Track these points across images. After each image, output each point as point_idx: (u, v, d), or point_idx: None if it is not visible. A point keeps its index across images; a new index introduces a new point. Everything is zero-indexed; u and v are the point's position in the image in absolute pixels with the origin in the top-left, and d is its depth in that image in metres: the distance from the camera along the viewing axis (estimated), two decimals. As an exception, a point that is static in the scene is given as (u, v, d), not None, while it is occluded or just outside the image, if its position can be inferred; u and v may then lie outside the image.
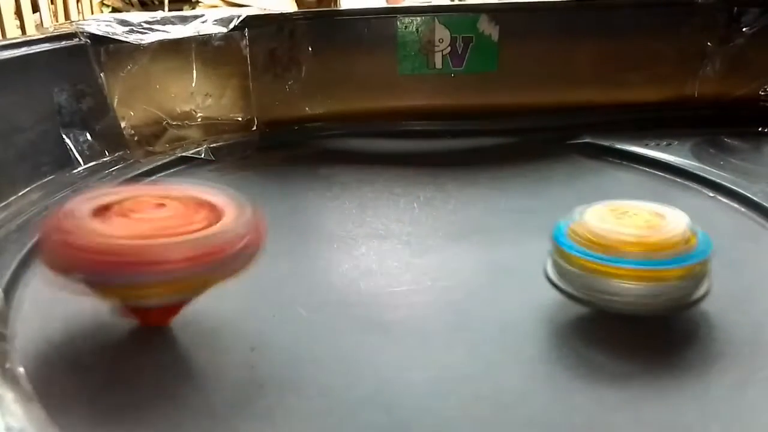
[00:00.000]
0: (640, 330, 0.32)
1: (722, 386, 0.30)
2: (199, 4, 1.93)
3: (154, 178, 0.55)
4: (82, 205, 0.30)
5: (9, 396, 0.27)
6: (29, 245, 0.41)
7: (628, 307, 0.31)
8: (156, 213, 0.30)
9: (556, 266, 0.33)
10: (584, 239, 0.31)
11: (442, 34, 0.65)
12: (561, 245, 0.32)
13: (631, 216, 0.32)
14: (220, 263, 0.30)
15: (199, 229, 0.29)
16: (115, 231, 0.29)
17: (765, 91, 0.64)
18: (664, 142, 0.57)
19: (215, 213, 0.31)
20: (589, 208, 0.33)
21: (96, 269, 0.28)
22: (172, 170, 0.57)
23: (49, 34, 0.55)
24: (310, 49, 0.65)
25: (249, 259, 0.31)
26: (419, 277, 0.40)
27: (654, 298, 0.30)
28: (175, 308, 0.32)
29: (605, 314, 0.32)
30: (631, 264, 0.30)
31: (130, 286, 0.29)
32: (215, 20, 0.60)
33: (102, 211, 0.30)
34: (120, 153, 0.57)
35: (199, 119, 0.62)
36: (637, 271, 0.30)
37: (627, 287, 0.30)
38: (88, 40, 0.55)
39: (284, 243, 0.45)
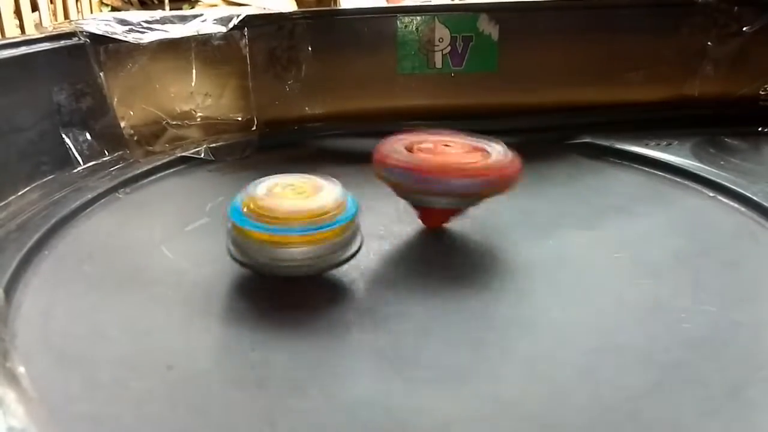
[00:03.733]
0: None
1: (722, 386, 0.30)
2: (199, 3, 1.93)
3: (153, 177, 0.55)
4: (395, 144, 0.43)
5: (10, 396, 0.27)
6: (29, 245, 0.41)
7: (301, 269, 0.36)
8: (447, 149, 0.42)
9: (235, 242, 0.37)
10: (258, 214, 0.35)
11: (441, 33, 0.65)
12: (238, 222, 0.36)
13: (294, 189, 0.37)
14: (494, 181, 0.40)
15: (477, 160, 0.41)
16: (424, 158, 0.41)
17: (765, 90, 0.64)
18: (665, 142, 0.57)
19: (485, 153, 0.42)
20: (259, 184, 0.38)
21: (410, 174, 0.40)
22: (171, 170, 0.57)
23: (48, 34, 0.55)
24: (309, 48, 0.65)
25: (512, 183, 0.41)
26: (419, 277, 0.40)
27: (316, 258, 0.36)
28: (451, 213, 0.43)
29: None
30: (298, 232, 0.35)
31: (428, 190, 0.40)
32: (215, 20, 0.60)
33: (409, 148, 0.42)
34: (120, 153, 0.57)
35: (199, 119, 0.62)
36: (304, 237, 0.35)
37: (295, 251, 0.35)
38: (88, 40, 0.55)
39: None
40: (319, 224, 0.35)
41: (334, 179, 0.39)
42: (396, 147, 0.42)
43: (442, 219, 0.44)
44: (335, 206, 0.36)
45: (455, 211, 0.43)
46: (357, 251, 0.38)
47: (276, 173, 0.58)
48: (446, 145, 0.42)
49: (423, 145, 0.42)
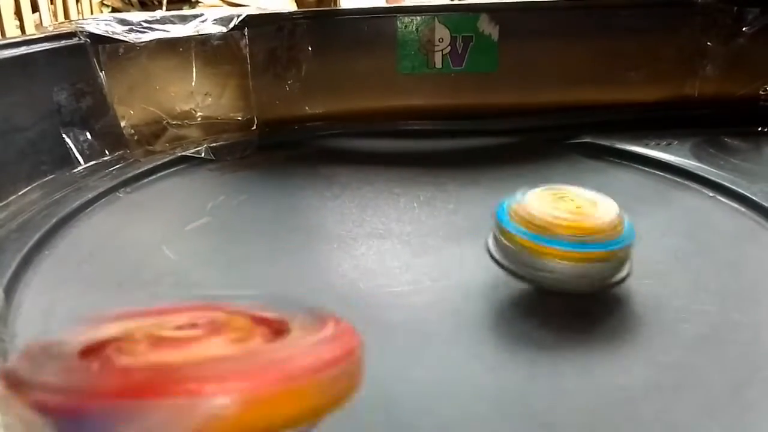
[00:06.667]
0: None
1: (722, 386, 0.30)
2: (199, 3, 1.93)
3: (154, 177, 0.55)
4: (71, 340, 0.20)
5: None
6: (29, 245, 0.41)
7: (558, 284, 0.33)
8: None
9: (497, 242, 0.36)
10: (523, 219, 0.33)
11: (441, 33, 0.65)
12: (502, 223, 0.34)
13: (567, 201, 0.34)
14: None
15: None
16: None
17: (765, 90, 0.64)
18: (665, 142, 0.57)
19: (275, 329, 0.21)
20: (531, 190, 0.35)
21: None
22: (172, 169, 0.57)
23: (48, 34, 0.55)
24: (309, 48, 0.64)
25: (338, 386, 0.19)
26: (419, 277, 0.40)
27: (580, 277, 0.33)
28: None
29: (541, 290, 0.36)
30: (562, 245, 0.32)
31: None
32: (215, 20, 0.60)
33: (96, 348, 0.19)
34: (120, 152, 0.57)
35: (199, 118, 0.62)
36: (567, 252, 0.32)
37: (557, 265, 0.33)
38: (88, 40, 0.55)
39: (284, 243, 0.45)
40: (588, 243, 0.32)
41: (610, 199, 0.35)
42: (59, 348, 0.19)
43: None
44: (609, 228, 0.33)
45: None
46: (624, 278, 0.35)
47: (277, 173, 0.59)
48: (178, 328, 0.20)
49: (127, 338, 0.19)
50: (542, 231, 0.33)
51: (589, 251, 0.32)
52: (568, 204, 0.34)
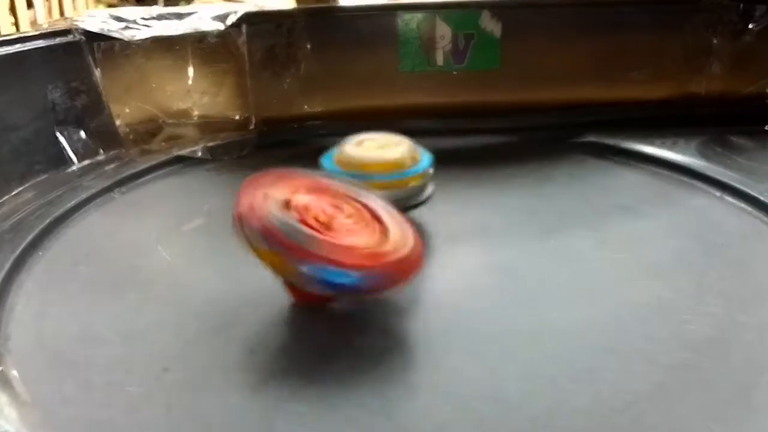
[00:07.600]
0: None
1: (728, 389, 0.30)
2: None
3: (149, 177, 0.54)
4: (268, 199, 0.34)
5: (3, 399, 0.28)
6: (23, 246, 0.41)
7: None
8: (342, 222, 0.34)
9: None
10: (344, 164, 0.43)
11: (443, 30, 0.64)
12: (328, 170, 0.43)
13: (374, 145, 0.44)
14: (387, 276, 0.33)
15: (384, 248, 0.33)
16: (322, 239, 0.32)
17: (772, 89, 0.63)
18: (670, 141, 0.57)
19: (383, 227, 0.35)
20: (350, 141, 0.44)
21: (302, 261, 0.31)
22: (168, 169, 0.56)
23: (43, 31, 0.55)
24: (308, 46, 0.64)
25: (407, 280, 0.34)
26: (419, 278, 0.39)
27: (395, 199, 0.40)
28: (329, 298, 0.36)
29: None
30: (374, 178, 0.41)
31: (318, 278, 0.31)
32: (212, 17, 0.60)
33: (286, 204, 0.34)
34: (115, 151, 0.56)
35: (196, 117, 0.61)
36: (379, 183, 0.41)
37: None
38: (83, 37, 0.55)
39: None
40: (393, 174, 0.42)
41: (408, 139, 0.44)
42: (270, 203, 0.34)
43: (319, 300, 0.36)
44: (408, 161, 0.43)
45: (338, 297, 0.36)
46: (427, 198, 0.44)
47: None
48: (336, 207, 0.35)
49: (304, 202, 0.34)
50: (359, 170, 0.42)
51: (394, 180, 0.42)
52: (375, 147, 0.43)
